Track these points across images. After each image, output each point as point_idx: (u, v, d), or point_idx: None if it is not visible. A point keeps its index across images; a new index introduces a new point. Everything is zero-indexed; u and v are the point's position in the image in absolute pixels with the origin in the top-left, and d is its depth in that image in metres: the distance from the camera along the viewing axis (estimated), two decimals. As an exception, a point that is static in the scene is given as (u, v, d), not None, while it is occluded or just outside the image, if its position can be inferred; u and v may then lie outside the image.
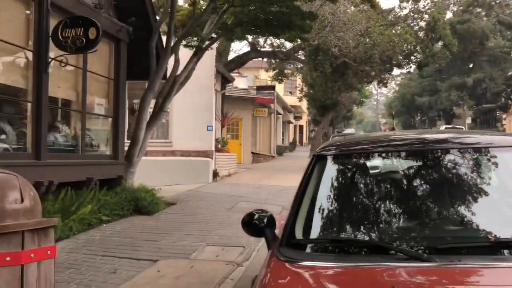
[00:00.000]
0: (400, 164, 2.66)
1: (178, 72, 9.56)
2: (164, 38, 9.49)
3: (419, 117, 60.67)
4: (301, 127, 51.73)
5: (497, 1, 46.46)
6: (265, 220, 2.43)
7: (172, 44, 9.27)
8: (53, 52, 6.81)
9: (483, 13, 46.82)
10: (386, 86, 31.21)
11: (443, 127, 35.76)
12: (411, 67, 27.73)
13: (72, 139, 8.08)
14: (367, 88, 47.51)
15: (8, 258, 2.08)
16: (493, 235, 2.05)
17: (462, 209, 2.28)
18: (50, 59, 6.70)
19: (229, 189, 12.56)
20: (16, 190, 2.25)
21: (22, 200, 2.24)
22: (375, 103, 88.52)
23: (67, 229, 6.25)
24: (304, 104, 43.16)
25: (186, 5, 15.77)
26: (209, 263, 5.38)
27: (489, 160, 2.48)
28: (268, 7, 9.60)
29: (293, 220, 2.27)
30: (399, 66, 25.55)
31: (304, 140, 52.40)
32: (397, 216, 2.33)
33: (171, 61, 9.46)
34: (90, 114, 8.28)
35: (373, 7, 21.46)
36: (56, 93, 7.35)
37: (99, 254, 5.55)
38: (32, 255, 2.17)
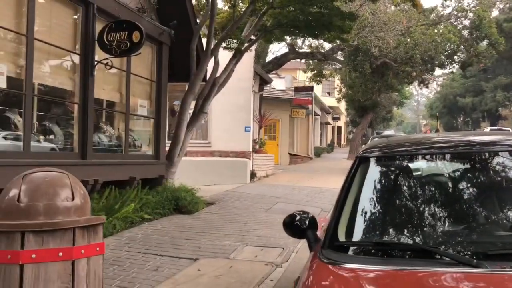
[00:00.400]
0: (445, 166, 2.60)
1: (218, 74, 9.68)
2: (204, 40, 9.63)
3: (461, 119, 58.78)
4: (339, 128, 51.19)
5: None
6: (307, 222, 2.44)
7: (212, 46, 9.39)
8: (98, 55, 7.03)
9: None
10: (427, 87, 30.36)
11: (488, 129, 34.50)
12: (454, 67, 26.94)
13: (116, 139, 8.32)
14: (407, 89, 46.48)
15: (60, 254, 2.18)
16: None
17: (512, 214, 2.21)
18: (95, 62, 6.93)
19: (266, 189, 12.59)
20: (68, 188, 2.34)
21: (73, 198, 2.32)
22: (415, 104, 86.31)
23: (111, 226, 6.45)
24: (342, 105, 42.68)
25: (226, 7, 15.92)
26: (248, 263, 5.41)
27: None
28: (308, 8, 9.57)
29: (335, 222, 2.26)
30: (442, 66, 24.88)
31: (343, 141, 51.82)
32: (442, 220, 2.27)
33: (211, 63, 9.60)
34: (133, 115, 8.50)
35: (415, 6, 21.02)
36: (100, 94, 7.59)
37: (142, 251, 5.69)
38: (82, 251, 2.25)
